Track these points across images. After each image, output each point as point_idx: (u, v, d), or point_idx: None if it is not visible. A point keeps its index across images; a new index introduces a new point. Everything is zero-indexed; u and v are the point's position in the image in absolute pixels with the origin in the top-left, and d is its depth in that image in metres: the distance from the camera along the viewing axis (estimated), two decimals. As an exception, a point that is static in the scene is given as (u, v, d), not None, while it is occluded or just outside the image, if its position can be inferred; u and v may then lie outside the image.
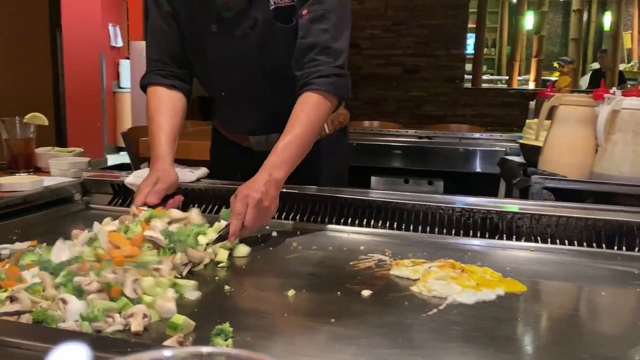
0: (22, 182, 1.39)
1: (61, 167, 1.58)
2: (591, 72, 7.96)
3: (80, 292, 0.80)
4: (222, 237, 1.09)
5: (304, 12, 1.33)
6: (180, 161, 2.89)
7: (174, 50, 1.46)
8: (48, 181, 1.48)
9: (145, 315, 0.77)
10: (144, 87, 1.47)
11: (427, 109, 5.82)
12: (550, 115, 1.76)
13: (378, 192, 1.38)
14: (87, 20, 6.65)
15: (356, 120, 4.42)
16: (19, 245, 1.06)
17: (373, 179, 2.90)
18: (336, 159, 1.64)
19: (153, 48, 1.48)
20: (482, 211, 1.27)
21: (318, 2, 1.32)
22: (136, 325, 0.75)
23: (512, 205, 1.29)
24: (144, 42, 5.64)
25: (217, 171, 1.56)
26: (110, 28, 7.93)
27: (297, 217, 1.36)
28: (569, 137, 1.64)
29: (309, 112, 1.28)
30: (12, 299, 0.79)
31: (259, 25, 1.36)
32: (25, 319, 0.75)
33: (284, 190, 1.36)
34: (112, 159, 7.58)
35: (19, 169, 1.63)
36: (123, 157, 7.67)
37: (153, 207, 1.19)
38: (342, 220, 1.33)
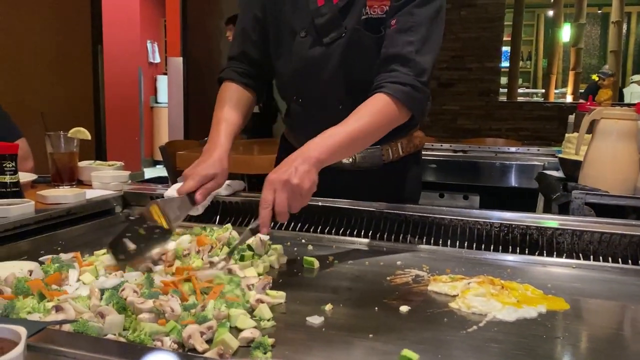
0: (66, 195, 1.43)
1: (103, 180, 1.62)
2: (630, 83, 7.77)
3: (124, 309, 0.81)
4: (253, 230, 1.05)
5: (393, 21, 1.30)
6: (242, 176, 2.90)
7: (254, 52, 1.48)
8: (90, 194, 1.52)
9: (202, 333, 0.76)
10: (220, 80, 1.49)
11: (462, 122, 5.77)
12: (590, 129, 1.72)
13: (414, 206, 1.36)
14: (127, 37, 6.84)
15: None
16: (63, 256, 1.09)
17: (407, 193, 2.87)
18: (409, 182, 1.58)
19: (235, 47, 1.51)
20: (522, 227, 1.25)
21: (408, 14, 1.29)
22: (200, 344, 0.74)
23: (552, 221, 1.26)
24: (180, 59, 5.77)
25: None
26: (149, 45, 8.15)
27: (333, 231, 1.36)
28: (610, 152, 1.60)
29: (371, 111, 1.22)
30: (57, 309, 0.81)
31: (348, 33, 1.35)
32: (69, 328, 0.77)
33: (320, 203, 1.37)
34: (149, 172, 7.74)
35: (62, 182, 1.68)
36: (159, 171, 7.83)
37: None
38: (378, 235, 1.32)
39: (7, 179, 1.37)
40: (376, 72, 1.30)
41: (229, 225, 1.29)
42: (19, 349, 0.58)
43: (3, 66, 3.53)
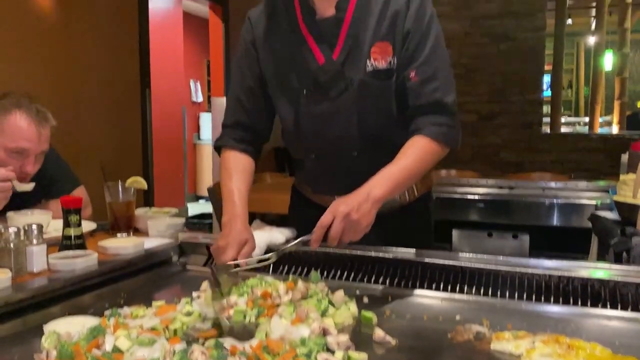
0: (126, 246, 1.48)
1: (159, 229, 1.67)
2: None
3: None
4: (304, 242, 1.14)
5: (412, 74, 1.37)
6: (261, 215, 2.96)
7: (248, 120, 1.53)
8: (148, 242, 1.56)
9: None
10: (217, 148, 1.56)
11: (504, 155, 5.71)
12: (646, 171, 1.68)
13: (470, 256, 1.35)
14: (172, 77, 7.07)
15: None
16: (126, 310, 1.12)
17: (455, 232, 2.85)
18: (423, 220, 1.64)
19: (229, 115, 1.56)
20: (582, 278, 1.22)
21: (425, 64, 1.37)
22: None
23: (614, 271, 1.23)
24: (224, 99, 5.93)
25: (297, 233, 1.58)
26: (192, 84, 8.40)
27: (387, 281, 1.35)
28: (670, 196, 1.56)
29: (417, 150, 1.34)
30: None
31: (355, 84, 1.39)
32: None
33: (373, 254, 1.38)
34: (192, 207, 7.88)
35: (120, 230, 1.73)
36: (202, 206, 7.97)
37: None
38: (433, 285, 1.31)
39: (72, 232, 1.42)
40: (410, 119, 1.39)
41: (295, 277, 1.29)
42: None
43: (63, 116, 3.71)
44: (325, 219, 1.14)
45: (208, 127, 7.80)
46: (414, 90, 1.37)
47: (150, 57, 4.59)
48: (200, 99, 8.81)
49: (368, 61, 1.37)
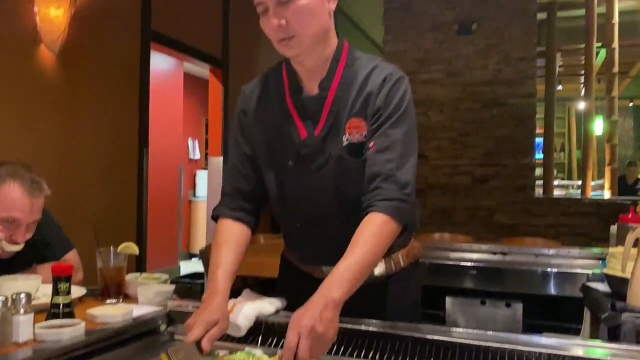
0: (114, 314, 1.47)
1: (148, 296, 1.66)
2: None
3: None
4: None
5: (371, 144, 1.41)
6: (253, 279, 2.95)
7: (246, 186, 1.58)
8: (137, 310, 1.55)
9: None
10: (215, 218, 1.60)
11: (499, 218, 5.73)
12: (635, 243, 1.70)
13: (462, 331, 1.34)
14: (171, 135, 7.18)
15: (424, 232, 4.40)
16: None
17: (448, 299, 2.83)
18: (411, 292, 1.63)
19: (227, 183, 1.61)
20: (576, 357, 1.21)
21: (384, 135, 1.40)
22: None
23: (610, 350, 1.22)
24: (221, 158, 6.00)
25: (287, 304, 1.58)
26: (190, 142, 8.52)
27: (377, 356, 1.34)
28: (659, 271, 1.57)
29: (372, 233, 1.31)
30: None
31: (333, 159, 1.45)
32: None
33: (363, 328, 1.37)
34: (185, 265, 7.80)
35: (110, 297, 1.72)
36: (195, 264, 7.89)
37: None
38: (423, 361, 1.30)
39: (61, 299, 1.41)
40: (363, 192, 1.40)
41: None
42: None
43: (58, 176, 3.73)
44: (291, 339, 1.10)
45: (204, 184, 7.85)
46: (370, 159, 1.40)
47: (151, 115, 4.67)
48: (197, 156, 8.91)
49: (344, 136, 1.43)
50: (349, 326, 1.37)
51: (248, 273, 2.89)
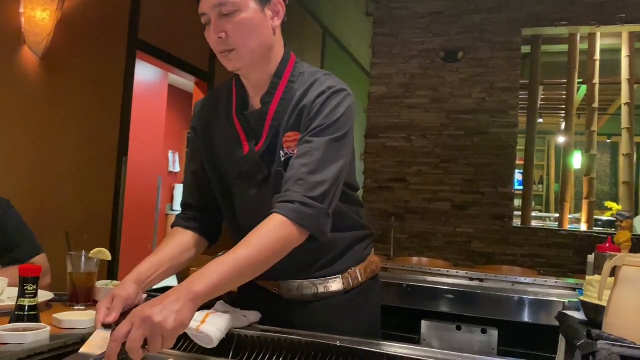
0: (81, 320, 1.42)
1: (119, 304, 1.60)
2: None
3: None
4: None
5: (295, 150, 1.40)
6: (229, 293, 2.89)
7: (193, 202, 1.61)
8: (105, 318, 1.50)
9: None
10: (172, 228, 1.62)
11: (477, 245, 5.75)
12: (612, 272, 1.70)
13: (436, 351, 1.32)
14: (151, 147, 7.10)
15: (403, 256, 4.39)
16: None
17: (424, 323, 2.81)
18: (371, 307, 1.63)
19: (183, 198, 1.66)
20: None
21: (306, 142, 1.38)
22: None
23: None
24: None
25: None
26: (170, 155, 8.44)
27: (351, 374, 1.31)
28: (635, 301, 1.57)
29: (262, 234, 1.25)
30: None
31: (272, 175, 1.45)
32: None
33: (323, 341, 1.33)
34: (158, 280, 7.67)
35: (78, 302, 1.67)
36: (169, 279, 7.76)
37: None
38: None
39: (27, 302, 1.36)
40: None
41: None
42: None
43: (34, 179, 3.65)
44: (122, 328, 1.01)
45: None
46: (290, 164, 1.38)
47: (133, 125, 4.62)
48: (177, 169, 8.84)
49: (281, 151, 1.43)
50: (308, 340, 1.34)
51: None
